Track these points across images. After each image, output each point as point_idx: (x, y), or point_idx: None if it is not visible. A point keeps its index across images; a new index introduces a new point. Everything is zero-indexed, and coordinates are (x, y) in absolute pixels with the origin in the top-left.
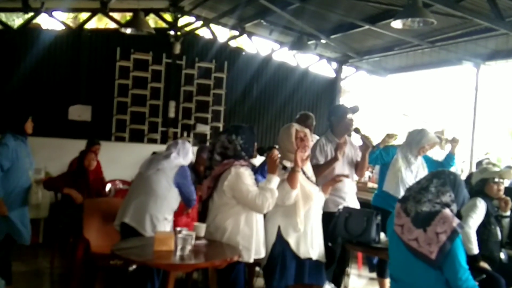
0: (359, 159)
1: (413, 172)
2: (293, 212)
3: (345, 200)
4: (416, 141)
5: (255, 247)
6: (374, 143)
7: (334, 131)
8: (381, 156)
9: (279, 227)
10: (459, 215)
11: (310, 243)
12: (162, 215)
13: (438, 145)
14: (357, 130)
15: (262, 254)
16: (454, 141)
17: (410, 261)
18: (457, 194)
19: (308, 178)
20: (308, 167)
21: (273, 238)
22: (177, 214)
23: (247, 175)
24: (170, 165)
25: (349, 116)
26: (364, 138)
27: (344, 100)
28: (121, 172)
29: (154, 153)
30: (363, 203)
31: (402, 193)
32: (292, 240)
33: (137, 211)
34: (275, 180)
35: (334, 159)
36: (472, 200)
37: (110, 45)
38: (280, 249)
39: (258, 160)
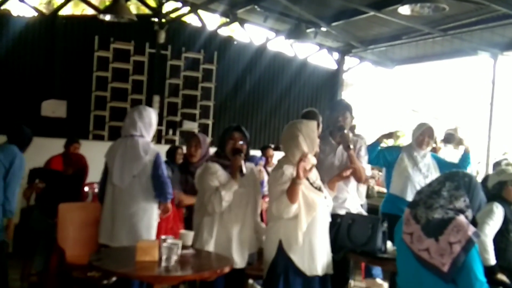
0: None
1: (422, 171)
2: (294, 224)
3: (345, 205)
4: (412, 134)
5: (218, 252)
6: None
7: (331, 130)
8: (383, 155)
9: (280, 241)
10: (474, 221)
11: (317, 258)
12: (154, 218)
13: (452, 145)
14: (340, 128)
15: (239, 263)
16: (461, 143)
17: (420, 273)
18: (473, 199)
19: (312, 184)
20: (312, 170)
21: (273, 252)
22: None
23: (211, 172)
24: (144, 164)
25: (340, 112)
26: (342, 137)
27: (347, 94)
28: (99, 174)
29: None
30: (372, 209)
31: (410, 194)
32: (295, 256)
33: (131, 232)
34: (230, 185)
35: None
36: (488, 205)
37: (87, 33)
38: (282, 265)
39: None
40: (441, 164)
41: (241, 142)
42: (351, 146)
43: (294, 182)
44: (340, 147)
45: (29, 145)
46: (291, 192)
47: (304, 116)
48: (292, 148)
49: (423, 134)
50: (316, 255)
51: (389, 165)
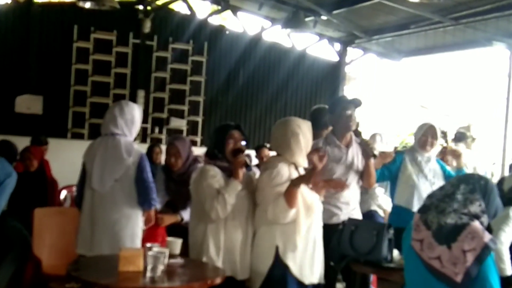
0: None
1: (428, 177)
2: (292, 229)
3: (342, 210)
4: (414, 136)
5: (224, 263)
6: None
7: (334, 131)
8: (387, 168)
9: (277, 248)
10: (489, 228)
11: (314, 264)
12: (139, 226)
13: (464, 144)
14: (357, 133)
15: (239, 275)
16: (455, 155)
17: (430, 284)
18: (488, 203)
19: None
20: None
21: (269, 260)
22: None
23: (211, 175)
24: (127, 166)
25: (348, 112)
26: (364, 145)
27: (349, 88)
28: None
29: None
30: None
31: (417, 204)
32: (293, 263)
33: (113, 242)
34: (233, 186)
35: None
36: (504, 210)
37: (65, 22)
38: (279, 274)
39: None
40: (444, 173)
41: (243, 143)
42: (376, 154)
43: (294, 184)
44: (351, 150)
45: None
46: (289, 196)
47: (314, 113)
48: (292, 146)
49: (426, 135)
50: (313, 261)
51: (393, 176)
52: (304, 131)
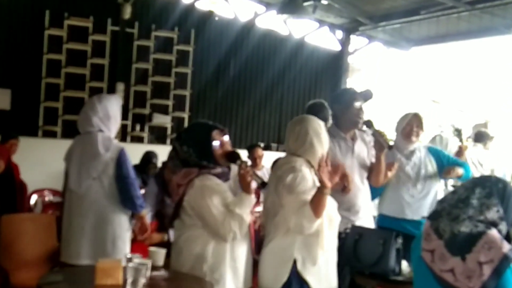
0: (374, 160)
1: (411, 176)
2: (314, 241)
3: (359, 215)
4: (397, 128)
5: (233, 280)
6: (391, 142)
7: (338, 124)
8: None
9: (294, 261)
10: (508, 236)
11: (333, 279)
12: (123, 228)
13: (482, 144)
14: (369, 124)
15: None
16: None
17: None
18: (507, 209)
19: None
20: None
21: (285, 274)
22: None
23: (214, 191)
24: (105, 163)
25: (358, 104)
26: (378, 135)
27: (353, 80)
28: (51, 179)
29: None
30: None
31: (399, 211)
32: (312, 278)
33: (93, 246)
34: (247, 202)
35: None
36: None
37: (35, 7)
38: None
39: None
40: (440, 159)
41: (226, 138)
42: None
43: (321, 192)
44: (357, 145)
45: None
46: (317, 204)
47: (310, 109)
48: (315, 146)
49: (410, 124)
50: (332, 276)
51: None
52: (324, 130)
